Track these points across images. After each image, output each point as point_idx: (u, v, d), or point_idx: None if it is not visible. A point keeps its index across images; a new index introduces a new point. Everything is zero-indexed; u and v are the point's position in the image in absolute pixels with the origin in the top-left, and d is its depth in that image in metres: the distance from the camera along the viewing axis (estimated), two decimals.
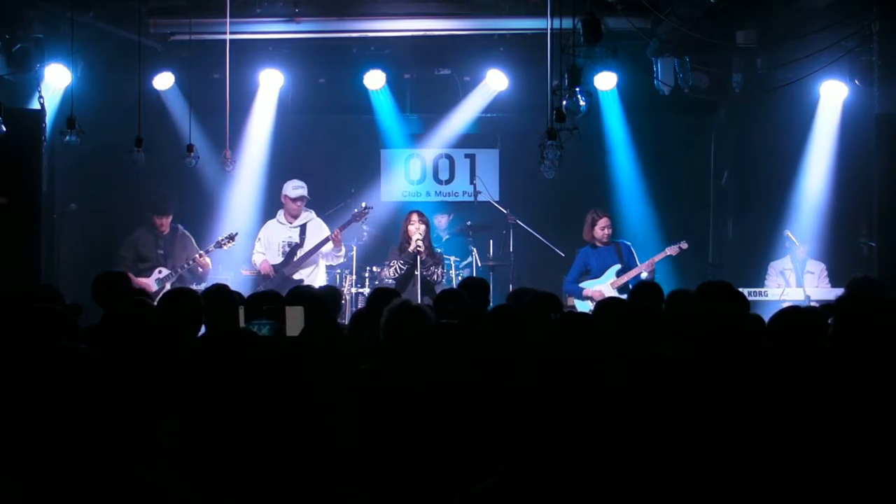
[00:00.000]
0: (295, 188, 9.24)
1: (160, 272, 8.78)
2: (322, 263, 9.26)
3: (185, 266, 8.78)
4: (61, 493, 3.06)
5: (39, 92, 8.93)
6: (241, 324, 4.75)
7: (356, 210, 9.33)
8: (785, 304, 7.88)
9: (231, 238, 8.95)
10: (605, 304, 4.83)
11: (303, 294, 5.57)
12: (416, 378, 3.79)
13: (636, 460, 3.54)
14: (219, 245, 8.92)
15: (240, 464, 3.66)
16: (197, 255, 8.80)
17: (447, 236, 9.66)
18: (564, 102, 6.19)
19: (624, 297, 8.20)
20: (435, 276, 8.53)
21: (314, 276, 9.18)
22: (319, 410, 3.80)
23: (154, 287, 8.65)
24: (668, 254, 8.78)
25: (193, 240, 9.16)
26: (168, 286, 8.62)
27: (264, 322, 4.66)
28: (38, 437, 3.15)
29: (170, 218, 9.07)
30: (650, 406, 3.73)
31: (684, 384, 3.85)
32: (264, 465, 3.64)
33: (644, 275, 8.65)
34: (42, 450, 3.14)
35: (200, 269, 8.88)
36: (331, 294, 6.02)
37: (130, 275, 8.44)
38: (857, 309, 4.38)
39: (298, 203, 9.20)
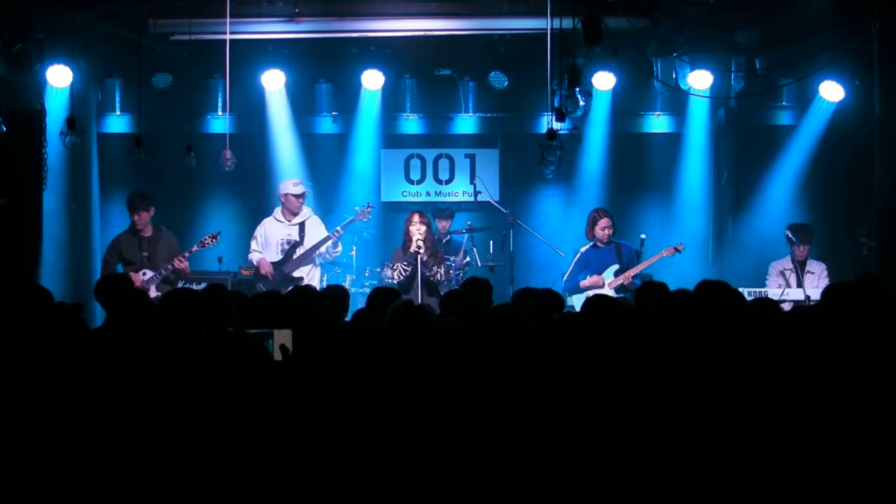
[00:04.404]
0: (296, 185, 9.28)
1: (144, 274, 8.71)
2: (318, 261, 9.26)
3: (168, 268, 8.70)
4: (63, 493, 3.06)
5: (43, 95, 8.95)
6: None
7: (358, 209, 9.33)
8: (785, 304, 7.93)
9: (213, 237, 8.88)
10: (594, 300, 4.86)
11: (307, 295, 5.56)
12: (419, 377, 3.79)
13: (640, 460, 3.54)
14: (202, 244, 8.82)
15: (238, 461, 3.66)
16: (176, 261, 8.69)
17: (448, 237, 9.65)
18: (564, 102, 6.20)
19: (622, 296, 8.22)
20: (438, 276, 8.53)
21: (313, 275, 9.18)
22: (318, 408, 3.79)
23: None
24: (664, 255, 8.78)
25: (176, 239, 9.08)
26: (153, 287, 8.62)
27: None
28: (42, 437, 3.16)
29: (149, 214, 8.86)
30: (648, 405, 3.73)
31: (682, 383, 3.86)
32: (262, 463, 3.64)
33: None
34: (56, 450, 3.15)
35: (184, 273, 8.81)
36: (337, 294, 5.95)
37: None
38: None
39: (301, 200, 9.22)
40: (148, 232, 8.88)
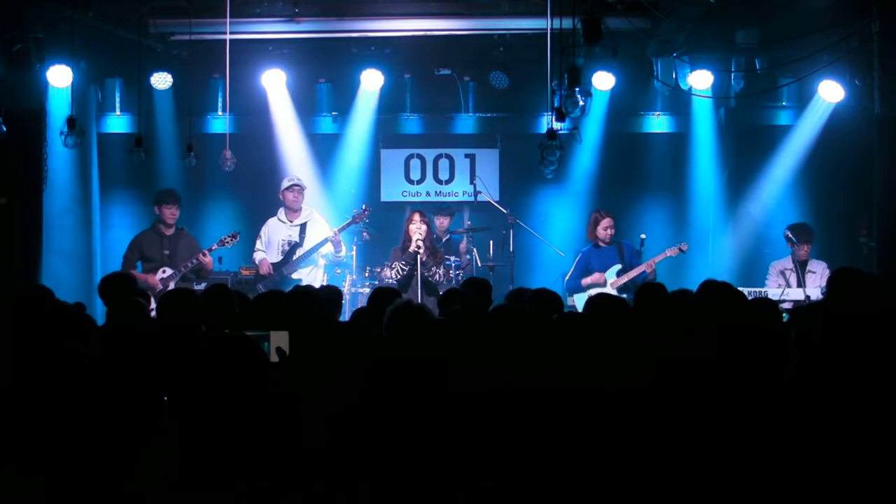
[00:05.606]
0: (289, 180, 9.34)
1: (164, 272, 8.80)
2: (321, 263, 9.28)
3: (189, 265, 8.78)
4: (72, 492, 3.07)
5: (43, 95, 8.97)
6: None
7: (355, 211, 9.34)
8: (785, 304, 7.93)
9: (233, 236, 8.98)
10: (595, 300, 4.87)
11: (303, 294, 5.57)
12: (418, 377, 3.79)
13: (631, 460, 3.54)
14: (222, 243, 8.93)
15: (235, 463, 3.66)
16: (200, 255, 8.79)
17: (447, 237, 9.65)
18: (564, 102, 6.19)
19: (624, 296, 8.22)
20: (437, 277, 8.54)
21: (313, 276, 9.19)
22: (314, 411, 3.80)
23: (159, 286, 8.67)
24: (668, 255, 8.79)
25: (196, 240, 9.17)
26: (172, 285, 8.66)
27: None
28: (49, 437, 3.16)
29: (178, 210, 9.02)
30: (644, 405, 3.73)
31: (679, 383, 3.85)
32: (257, 465, 3.64)
33: (648, 274, 8.68)
34: (54, 450, 3.15)
35: (207, 269, 8.89)
36: (331, 294, 6.01)
37: (137, 273, 8.54)
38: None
39: (293, 193, 9.23)
40: (170, 230, 8.95)
